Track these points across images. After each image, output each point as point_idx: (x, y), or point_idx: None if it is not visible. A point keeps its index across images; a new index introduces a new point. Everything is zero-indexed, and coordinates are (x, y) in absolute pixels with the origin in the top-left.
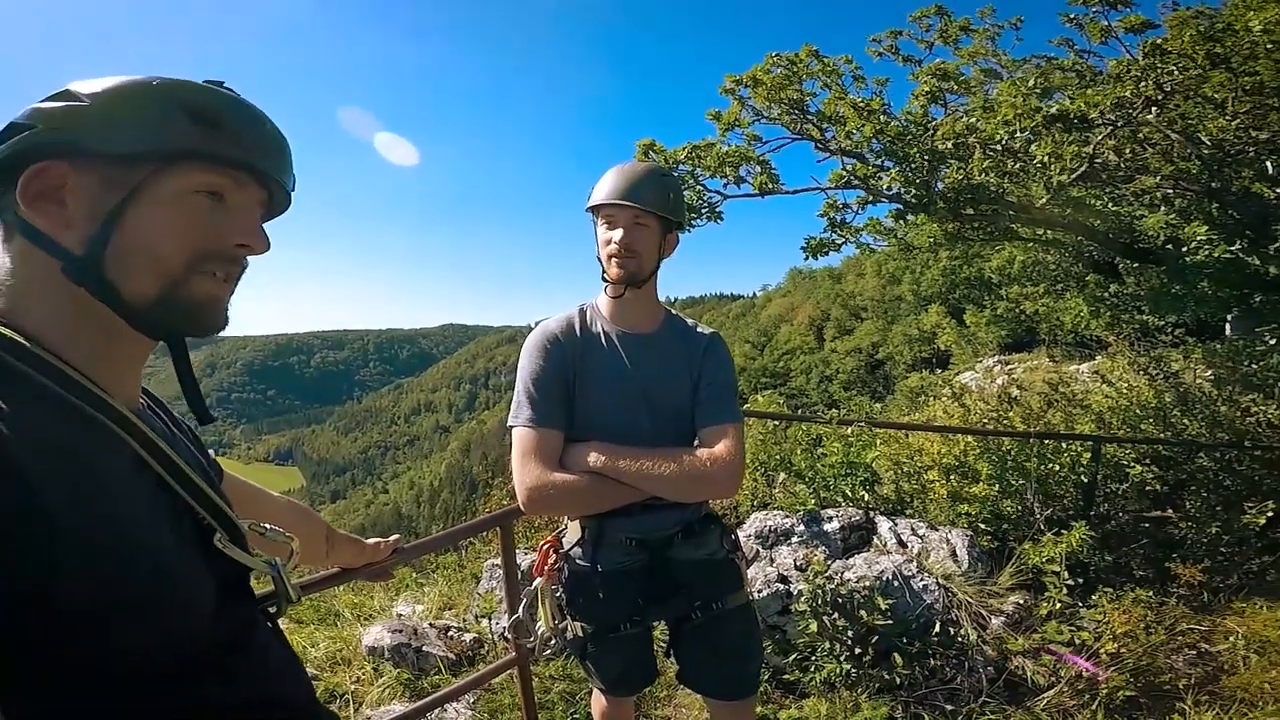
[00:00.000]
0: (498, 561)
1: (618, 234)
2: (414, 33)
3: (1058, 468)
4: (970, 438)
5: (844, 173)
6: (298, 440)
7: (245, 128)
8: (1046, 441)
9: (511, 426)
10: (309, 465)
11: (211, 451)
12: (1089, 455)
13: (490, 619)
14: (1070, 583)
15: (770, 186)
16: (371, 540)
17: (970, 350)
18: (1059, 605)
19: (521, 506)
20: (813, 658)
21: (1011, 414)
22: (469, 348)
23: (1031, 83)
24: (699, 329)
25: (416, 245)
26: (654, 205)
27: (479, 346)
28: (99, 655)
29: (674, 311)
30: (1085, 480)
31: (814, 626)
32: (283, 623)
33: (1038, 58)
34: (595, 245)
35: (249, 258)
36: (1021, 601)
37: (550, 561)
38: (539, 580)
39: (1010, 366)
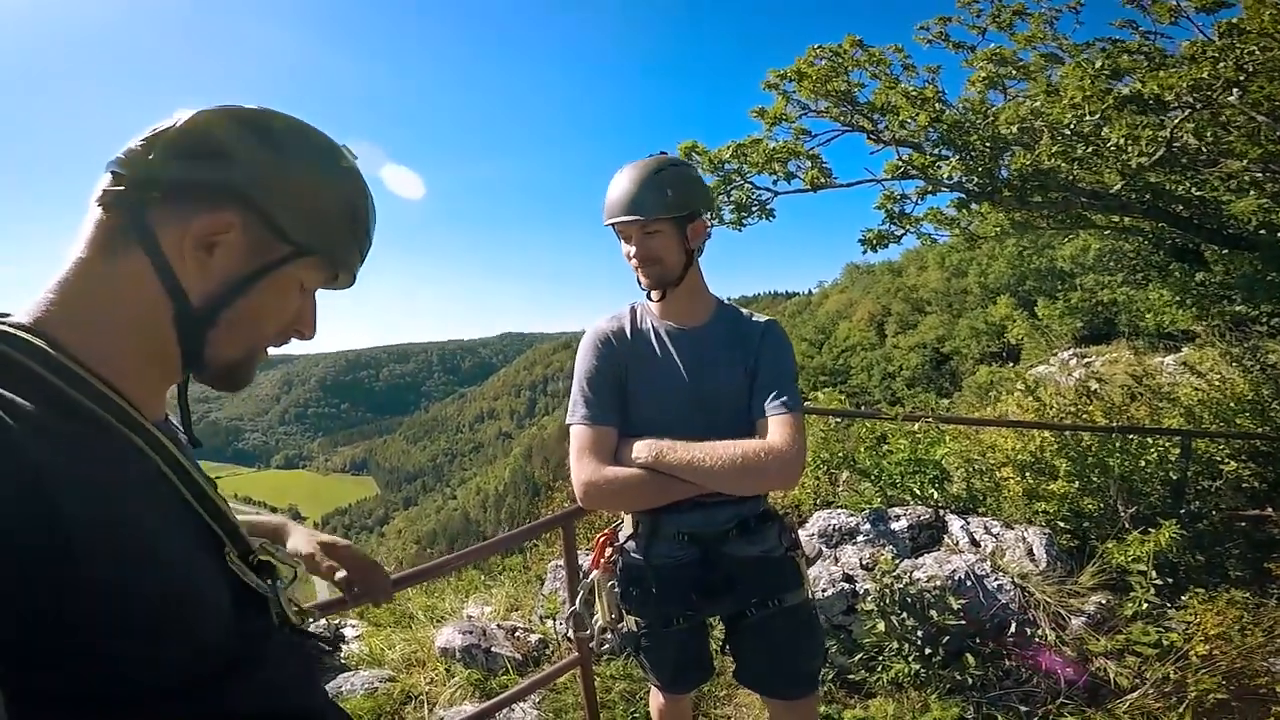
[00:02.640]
0: (561, 563)
1: (632, 248)
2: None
3: (1143, 464)
4: (1047, 433)
5: (900, 163)
6: (371, 451)
7: (368, 239)
8: (1131, 437)
9: (569, 425)
10: (382, 474)
11: (290, 466)
12: (1178, 451)
13: (554, 620)
14: (1158, 583)
15: (822, 181)
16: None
17: (1044, 343)
18: (1145, 606)
19: (579, 502)
20: (879, 658)
21: (1092, 408)
22: (527, 355)
23: (1099, 65)
24: (755, 317)
25: (469, 258)
26: (654, 211)
27: (536, 353)
28: (114, 669)
29: (727, 302)
30: (1175, 477)
31: (881, 626)
32: (362, 626)
33: (1102, 41)
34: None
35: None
36: (1104, 601)
37: (607, 555)
38: (595, 573)
39: (1088, 359)
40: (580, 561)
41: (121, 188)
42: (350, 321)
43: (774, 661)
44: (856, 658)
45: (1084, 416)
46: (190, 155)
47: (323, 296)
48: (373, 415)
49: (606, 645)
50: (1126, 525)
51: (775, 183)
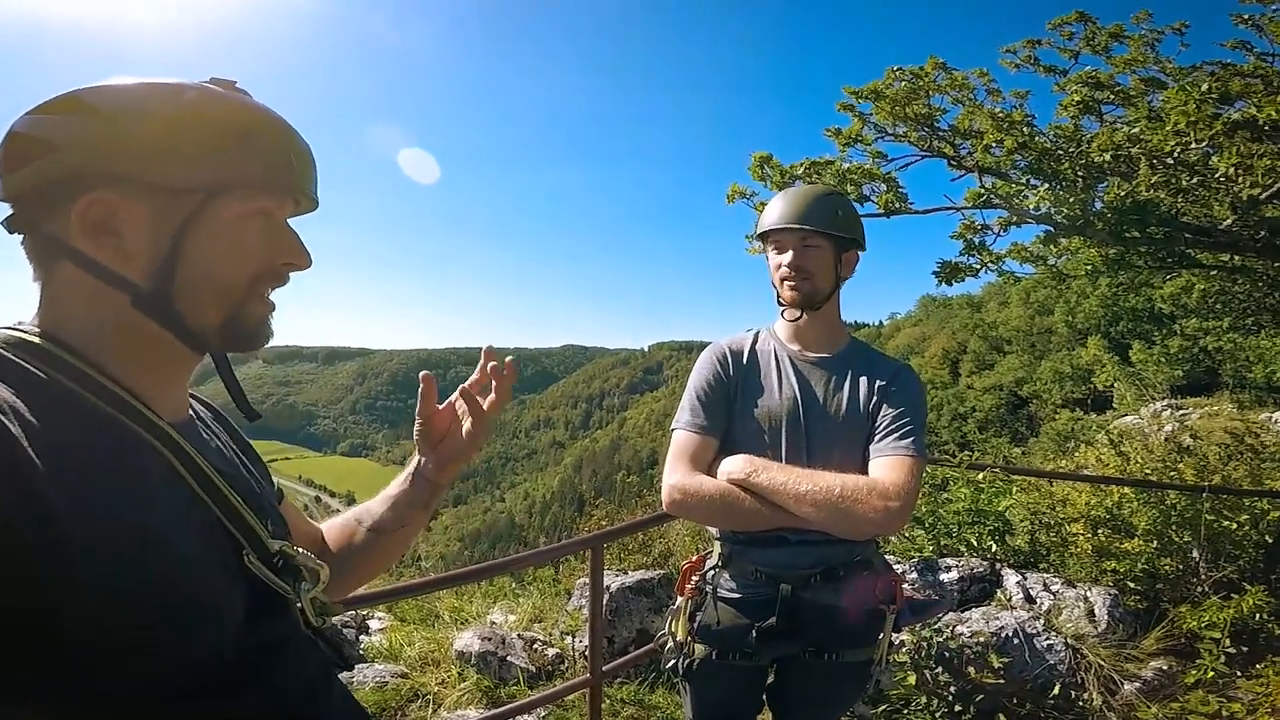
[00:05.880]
0: (588, 580)
1: (787, 256)
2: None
3: (1234, 526)
4: (1128, 489)
5: (983, 190)
6: None
7: (282, 148)
8: (1224, 497)
9: (672, 429)
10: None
11: (354, 454)
12: (1277, 513)
13: (574, 636)
14: (1230, 650)
15: (897, 206)
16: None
17: (1135, 391)
18: (1211, 675)
19: (664, 506)
20: (905, 711)
21: (1182, 465)
22: (586, 368)
23: (1206, 88)
24: (887, 359)
25: (539, 268)
26: (820, 225)
27: (596, 368)
28: (116, 670)
29: (860, 340)
30: (1270, 540)
31: (912, 679)
32: (388, 620)
33: (1211, 64)
34: (768, 271)
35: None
36: (1165, 668)
37: (692, 582)
38: (680, 600)
39: (1184, 412)
40: (607, 582)
41: (10, 215)
42: (426, 322)
43: (801, 701)
44: (880, 709)
45: (1172, 475)
46: (21, 162)
47: (405, 294)
48: None
49: (671, 664)
50: (1206, 589)
51: None
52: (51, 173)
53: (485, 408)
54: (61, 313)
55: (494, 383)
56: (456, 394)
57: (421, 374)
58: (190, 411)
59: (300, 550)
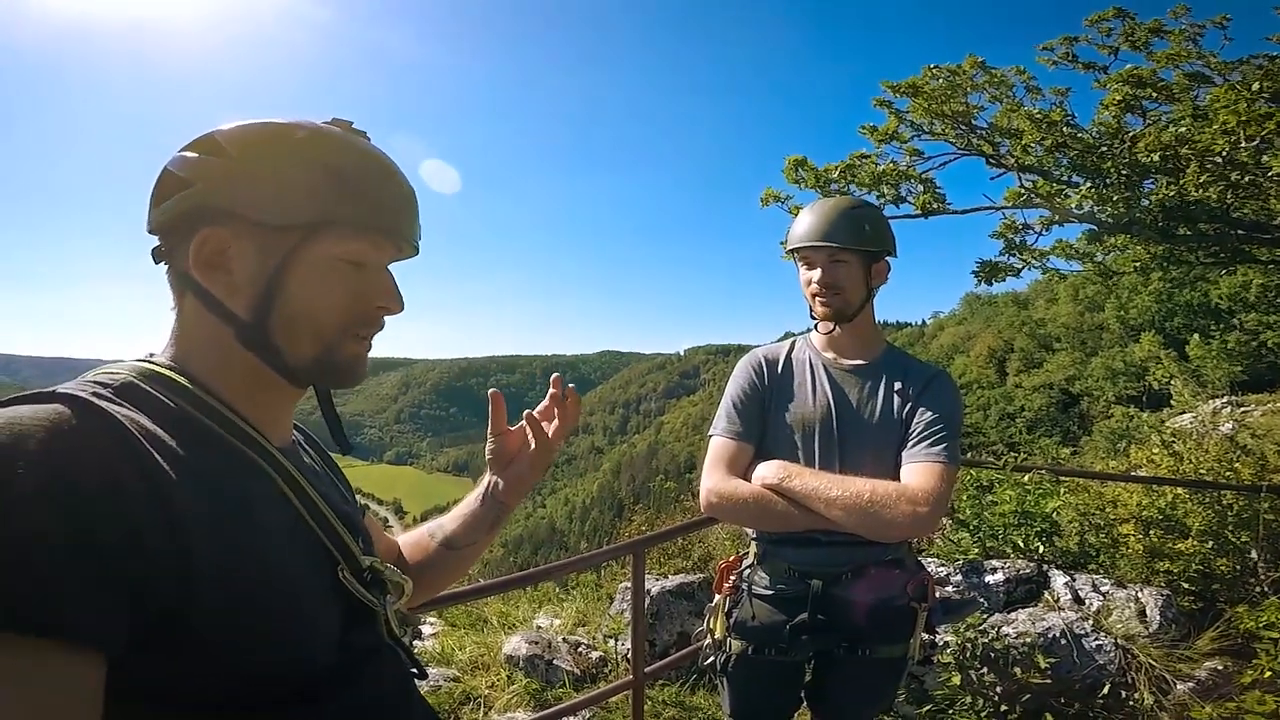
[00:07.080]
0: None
1: (816, 273)
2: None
3: None
4: (1181, 490)
5: (1022, 190)
6: (472, 454)
7: (382, 191)
8: None
9: (710, 435)
10: (480, 477)
11: (400, 462)
12: None
13: (617, 640)
14: None
15: (934, 206)
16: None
17: (1192, 388)
18: (1269, 674)
19: (703, 509)
20: (949, 711)
21: (1239, 464)
22: (623, 374)
23: (1256, 86)
24: (923, 365)
25: (578, 275)
26: (848, 241)
27: (632, 373)
28: (217, 677)
29: (896, 346)
30: None
31: (956, 679)
32: (440, 625)
33: (1258, 58)
34: (799, 285)
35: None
36: (1220, 668)
37: (729, 582)
38: (718, 598)
39: (1245, 409)
40: (649, 587)
41: (156, 246)
42: (466, 331)
43: (837, 697)
44: (924, 709)
45: (1228, 475)
46: (164, 197)
47: (443, 303)
48: (477, 420)
49: (709, 660)
50: (1265, 589)
51: (883, 205)
52: (181, 208)
53: (550, 435)
54: (187, 344)
55: (558, 410)
56: (524, 419)
57: (490, 392)
58: (295, 437)
59: (388, 565)
